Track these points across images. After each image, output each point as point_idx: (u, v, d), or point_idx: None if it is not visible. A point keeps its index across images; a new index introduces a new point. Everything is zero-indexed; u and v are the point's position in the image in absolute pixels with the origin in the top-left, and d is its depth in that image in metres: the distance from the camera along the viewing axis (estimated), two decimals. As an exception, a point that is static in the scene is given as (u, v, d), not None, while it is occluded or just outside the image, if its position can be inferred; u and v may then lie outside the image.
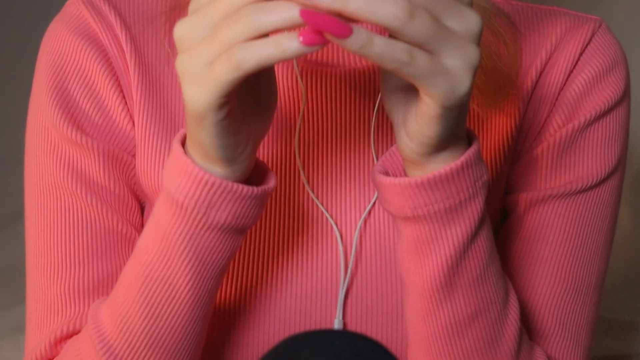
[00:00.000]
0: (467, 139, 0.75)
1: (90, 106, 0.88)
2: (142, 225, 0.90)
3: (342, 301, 0.86)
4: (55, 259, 0.87)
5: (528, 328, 0.89)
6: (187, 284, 0.76)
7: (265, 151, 0.87)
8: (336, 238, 0.87)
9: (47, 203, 0.88)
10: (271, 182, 0.76)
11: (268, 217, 0.87)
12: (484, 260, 0.77)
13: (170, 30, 0.89)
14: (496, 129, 0.90)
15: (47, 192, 0.88)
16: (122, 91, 0.88)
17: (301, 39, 0.63)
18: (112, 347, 0.78)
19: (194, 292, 0.76)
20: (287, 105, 0.88)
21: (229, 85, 0.65)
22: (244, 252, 0.86)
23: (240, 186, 0.72)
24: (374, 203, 0.87)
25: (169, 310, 0.77)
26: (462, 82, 0.66)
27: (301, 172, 0.87)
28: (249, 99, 0.72)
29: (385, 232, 0.87)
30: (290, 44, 0.63)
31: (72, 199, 0.87)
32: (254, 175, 0.78)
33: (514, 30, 0.91)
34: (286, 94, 0.88)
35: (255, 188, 0.73)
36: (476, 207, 0.75)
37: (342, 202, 0.87)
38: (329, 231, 0.87)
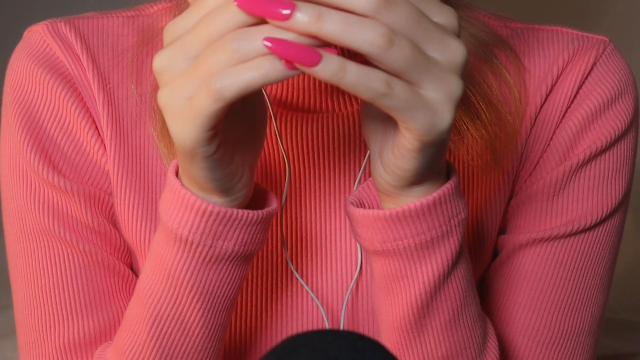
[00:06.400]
0: (447, 171, 0.71)
1: (66, 147, 0.83)
2: (131, 260, 0.87)
3: None
4: (50, 311, 0.82)
5: None
6: (199, 320, 0.73)
7: None
8: (322, 317, 0.83)
9: (34, 250, 0.83)
10: (273, 203, 0.72)
11: (250, 297, 0.83)
12: (459, 302, 0.73)
13: (138, 71, 0.83)
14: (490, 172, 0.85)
15: (32, 239, 0.83)
16: (95, 126, 0.83)
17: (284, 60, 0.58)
18: None
19: (207, 327, 0.74)
20: (267, 168, 0.83)
21: (213, 118, 0.61)
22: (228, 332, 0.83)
23: (245, 212, 0.69)
24: (359, 271, 0.83)
25: (183, 349, 0.75)
26: (443, 116, 0.62)
27: (285, 250, 0.82)
28: (239, 125, 0.68)
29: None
30: (272, 66, 0.59)
31: (60, 245, 0.82)
32: (253, 197, 0.74)
33: (518, 65, 0.85)
34: (265, 156, 0.83)
35: (260, 212, 0.70)
36: (450, 245, 0.71)
37: (327, 278, 0.83)
38: (314, 310, 0.83)
